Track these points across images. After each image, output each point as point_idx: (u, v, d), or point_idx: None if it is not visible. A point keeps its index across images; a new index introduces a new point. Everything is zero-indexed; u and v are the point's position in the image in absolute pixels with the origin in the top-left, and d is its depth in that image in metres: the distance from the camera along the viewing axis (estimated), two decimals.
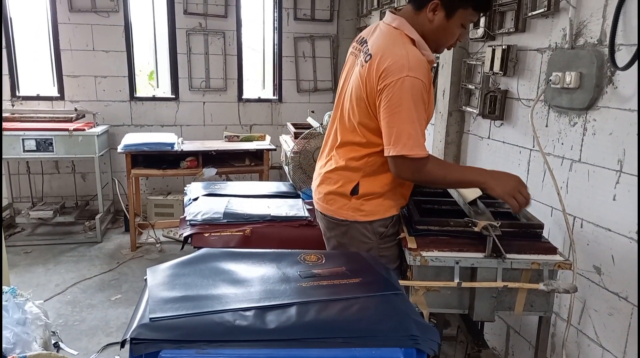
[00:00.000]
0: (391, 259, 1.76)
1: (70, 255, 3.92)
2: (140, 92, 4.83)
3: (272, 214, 2.32)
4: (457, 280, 1.50)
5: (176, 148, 3.87)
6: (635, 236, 1.71)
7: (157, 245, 4.12)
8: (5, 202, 4.47)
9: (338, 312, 1.16)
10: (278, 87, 5.01)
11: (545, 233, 1.64)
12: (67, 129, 3.98)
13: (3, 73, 4.28)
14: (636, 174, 1.69)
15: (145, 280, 1.31)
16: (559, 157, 2.09)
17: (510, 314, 1.58)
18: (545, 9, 2.09)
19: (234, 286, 1.25)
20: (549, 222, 2.12)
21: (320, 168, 1.83)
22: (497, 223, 1.51)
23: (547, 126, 2.17)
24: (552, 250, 1.54)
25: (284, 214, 2.34)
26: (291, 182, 3.11)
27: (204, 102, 4.85)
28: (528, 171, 2.32)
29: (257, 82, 5.13)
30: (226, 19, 4.72)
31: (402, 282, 1.47)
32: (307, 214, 2.36)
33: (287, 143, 3.66)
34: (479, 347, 1.82)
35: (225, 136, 4.29)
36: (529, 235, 1.57)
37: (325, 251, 1.74)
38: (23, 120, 4.20)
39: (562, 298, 2.10)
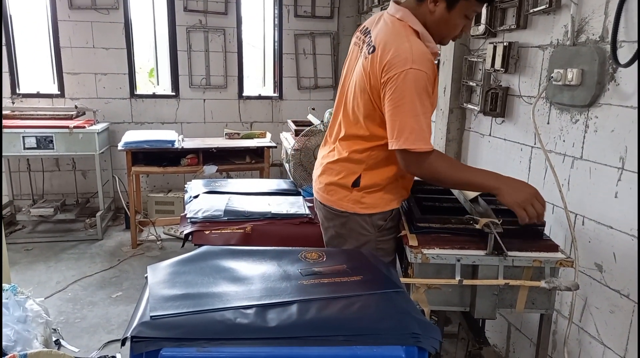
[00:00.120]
0: (388, 252, 1.77)
1: (71, 252, 3.92)
2: (140, 90, 4.82)
3: (272, 212, 2.32)
4: (458, 278, 1.50)
5: (177, 145, 3.86)
6: (637, 234, 1.71)
7: (158, 243, 4.12)
8: (5, 199, 4.47)
9: (339, 310, 1.15)
10: (278, 84, 5.01)
11: (546, 231, 1.64)
12: (67, 127, 3.98)
13: (3, 71, 4.28)
14: (637, 171, 1.69)
15: (146, 277, 1.30)
16: (561, 154, 2.08)
17: (512, 312, 1.57)
18: (547, 5, 2.08)
19: (235, 284, 1.25)
20: (551, 219, 2.12)
21: (323, 158, 1.82)
22: (499, 221, 1.50)
23: (548, 123, 2.16)
24: (554, 248, 1.53)
25: (284, 212, 2.34)
26: (292, 179, 3.10)
27: (204, 100, 4.85)
28: (529, 168, 2.31)
29: (258, 79, 5.12)
30: (226, 16, 4.71)
31: (403, 280, 1.47)
32: (307, 211, 2.36)
33: (288, 140, 3.66)
34: (480, 345, 1.82)
35: (226, 134, 4.28)
36: (530, 233, 1.57)
37: (326, 248, 1.74)
38: (23, 117, 4.19)
39: (563, 296, 2.10)
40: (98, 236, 4.19)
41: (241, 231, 2.19)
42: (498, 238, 1.46)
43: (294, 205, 2.44)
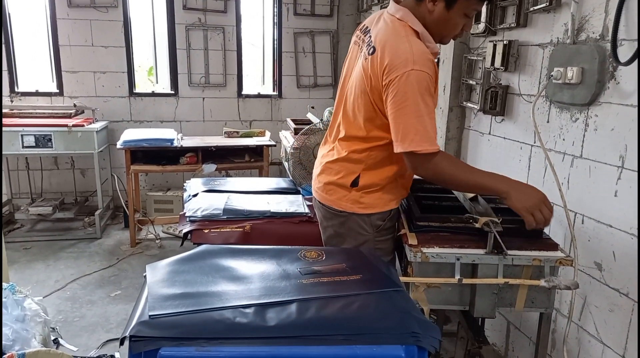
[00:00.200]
0: (386, 252, 1.76)
1: (70, 251, 3.91)
2: (139, 88, 4.81)
3: (272, 211, 2.31)
4: (457, 277, 1.49)
5: (176, 143, 3.86)
6: (636, 233, 1.71)
7: (157, 241, 4.12)
8: (4, 198, 4.46)
9: (339, 309, 1.15)
10: (278, 82, 5.00)
11: (546, 229, 1.64)
12: (66, 125, 3.97)
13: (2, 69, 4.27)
14: (637, 170, 1.69)
15: (145, 276, 1.30)
16: (560, 153, 2.08)
17: (511, 310, 1.57)
18: (547, 3, 2.07)
19: (234, 283, 1.25)
20: None
21: (322, 157, 1.82)
22: (498, 219, 1.50)
23: (548, 121, 2.16)
24: (554, 246, 1.53)
25: (284, 211, 2.33)
26: (291, 178, 3.10)
27: (203, 98, 4.84)
28: (529, 167, 2.31)
29: (257, 77, 5.12)
30: (226, 14, 4.69)
31: (402, 278, 1.47)
32: (307, 210, 2.35)
33: (287, 139, 3.65)
34: (480, 343, 1.82)
35: (225, 132, 4.28)
36: (530, 231, 1.56)
37: (325, 247, 1.74)
38: (22, 116, 4.18)
39: (562, 295, 2.10)
40: (97, 234, 4.18)
41: (240, 230, 2.19)
42: (498, 236, 1.46)
43: (294, 204, 2.43)
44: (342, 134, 1.72)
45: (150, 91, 4.81)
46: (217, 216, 2.23)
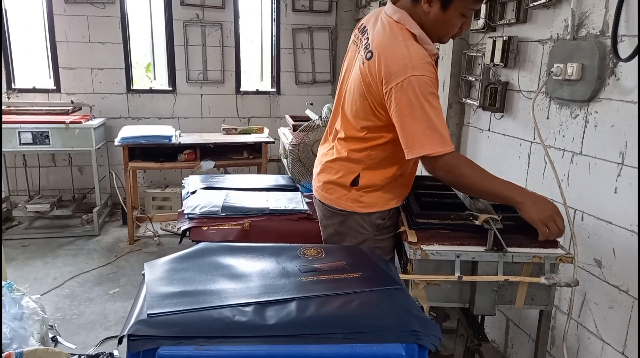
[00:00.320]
0: (386, 251, 1.76)
1: (68, 248, 3.90)
2: (137, 85, 4.79)
3: (270, 208, 2.30)
4: (457, 274, 1.49)
5: (174, 140, 3.84)
6: (636, 229, 1.70)
7: (155, 238, 4.11)
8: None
9: (338, 307, 1.14)
10: (276, 79, 4.98)
11: None
12: (63, 122, 3.95)
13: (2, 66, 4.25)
14: (637, 166, 1.68)
15: (143, 275, 1.29)
16: (560, 149, 2.08)
17: (511, 308, 1.57)
18: None
19: (233, 281, 1.24)
20: None
21: (322, 156, 1.81)
22: (498, 217, 1.50)
23: (548, 118, 2.15)
24: (554, 244, 1.52)
25: (282, 208, 2.32)
26: (290, 175, 3.09)
27: (201, 95, 4.82)
28: (528, 163, 2.30)
29: (255, 74, 5.10)
30: (223, 10, 4.67)
31: (402, 276, 1.46)
32: (306, 207, 2.34)
33: (286, 136, 3.64)
34: (479, 341, 1.81)
35: (223, 129, 4.26)
36: (530, 229, 1.56)
37: (325, 245, 1.73)
38: (19, 113, 4.16)
39: (562, 292, 2.10)
40: (95, 232, 4.17)
41: (239, 227, 2.18)
42: (498, 234, 1.45)
43: (292, 201, 2.42)
44: (341, 134, 1.71)
45: (148, 88, 4.79)
46: (215, 213, 2.22)
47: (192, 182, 2.65)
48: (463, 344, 1.93)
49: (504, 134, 2.49)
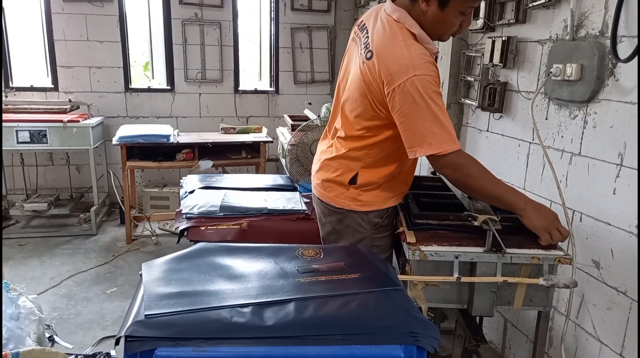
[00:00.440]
0: (383, 249, 1.76)
1: (66, 247, 3.89)
2: (135, 84, 4.78)
3: (269, 208, 2.30)
4: (456, 275, 1.48)
5: (172, 140, 3.83)
6: (635, 231, 1.70)
7: (153, 238, 4.10)
8: None
9: (337, 308, 1.14)
10: (275, 78, 4.97)
11: None
12: (61, 121, 3.94)
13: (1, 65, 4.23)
14: (636, 168, 1.68)
15: (141, 275, 1.29)
16: (559, 150, 2.07)
17: (509, 309, 1.56)
18: None
19: (231, 281, 1.23)
20: None
21: (321, 153, 1.81)
22: (497, 217, 1.49)
23: (547, 118, 2.15)
24: (552, 245, 1.52)
25: (281, 208, 2.32)
26: (288, 175, 3.08)
27: (199, 94, 4.81)
28: (527, 164, 2.30)
29: (254, 73, 5.09)
30: (222, 9, 4.66)
31: (400, 277, 1.46)
32: (304, 207, 2.34)
33: (284, 135, 3.63)
34: (477, 341, 1.81)
35: (222, 128, 4.25)
36: (528, 230, 1.56)
37: (323, 246, 1.73)
38: (16, 111, 4.14)
39: (560, 293, 2.09)
40: (92, 231, 4.16)
41: (237, 227, 2.18)
42: (497, 235, 1.45)
43: (291, 201, 2.42)
44: (341, 133, 1.71)
45: (146, 87, 4.77)
46: (213, 213, 2.22)
47: (190, 181, 2.64)
48: (461, 345, 1.92)
49: (502, 135, 2.49)
